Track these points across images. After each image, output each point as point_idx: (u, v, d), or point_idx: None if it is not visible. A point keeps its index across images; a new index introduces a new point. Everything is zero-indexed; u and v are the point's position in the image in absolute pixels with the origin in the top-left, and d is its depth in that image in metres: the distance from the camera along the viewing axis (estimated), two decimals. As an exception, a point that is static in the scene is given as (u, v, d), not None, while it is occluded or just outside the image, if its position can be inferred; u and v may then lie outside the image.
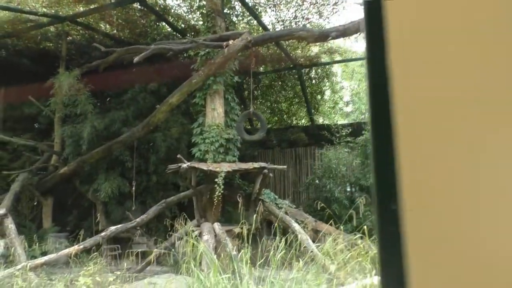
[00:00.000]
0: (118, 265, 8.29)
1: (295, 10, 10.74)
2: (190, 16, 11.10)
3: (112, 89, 11.03)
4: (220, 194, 7.27)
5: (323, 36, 7.92)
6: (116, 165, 10.83)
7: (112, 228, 7.40)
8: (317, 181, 11.75)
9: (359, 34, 8.41)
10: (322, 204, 10.80)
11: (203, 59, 8.60)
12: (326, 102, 14.33)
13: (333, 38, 8.00)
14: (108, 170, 10.70)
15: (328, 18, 10.75)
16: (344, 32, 7.90)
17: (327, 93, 14.14)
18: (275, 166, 8.55)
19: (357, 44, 13.93)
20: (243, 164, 7.99)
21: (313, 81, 13.41)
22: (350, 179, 11.06)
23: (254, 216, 8.46)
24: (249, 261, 5.10)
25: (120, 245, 9.67)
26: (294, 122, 14.48)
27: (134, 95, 11.04)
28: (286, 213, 8.36)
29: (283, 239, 5.55)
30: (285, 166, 9.33)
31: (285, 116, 14.44)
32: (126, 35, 11.29)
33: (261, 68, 13.00)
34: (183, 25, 11.13)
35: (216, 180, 7.38)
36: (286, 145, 13.19)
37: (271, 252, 5.33)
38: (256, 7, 10.67)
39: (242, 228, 7.84)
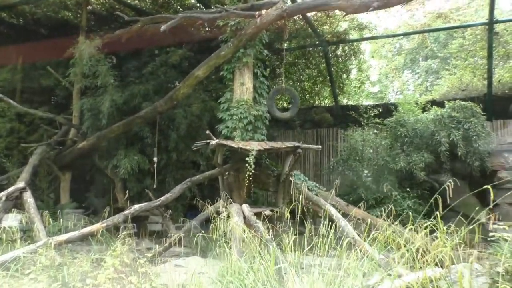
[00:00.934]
0: (135, 245, 7.94)
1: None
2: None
3: (133, 61, 10.57)
4: (250, 174, 6.84)
5: (364, 6, 7.32)
6: (136, 141, 10.46)
7: (136, 206, 7.02)
8: (342, 163, 11.32)
9: (404, 5, 7.83)
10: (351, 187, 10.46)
11: (233, 30, 8.06)
12: (351, 81, 13.74)
13: (375, 8, 7.40)
14: (127, 146, 10.33)
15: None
16: (387, 2, 7.32)
17: (353, 72, 13.54)
18: (309, 145, 8.08)
19: (395, 18, 13.27)
20: (275, 143, 7.53)
21: (339, 59, 12.79)
22: (378, 162, 10.58)
23: (282, 198, 8.13)
24: (292, 247, 4.69)
25: (136, 224, 9.36)
26: (317, 102, 13.93)
27: (155, 69, 10.58)
28: (316, 195, 7.93)
29: (323, 224, 5.11)
30: (319, 146, 8.85)
31: (307, 95, 13.89)
32: (148, 5, 10.77)
33: (285, 44, 12.41)
34: (208, -4, 10.56)
35: (247, 159, 6.94)
36: (310, 125, 12.70)
37: (311, 238, 4.93)
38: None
39: (273, 210, 7.48)
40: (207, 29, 10.60)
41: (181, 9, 10.22)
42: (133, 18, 8.92)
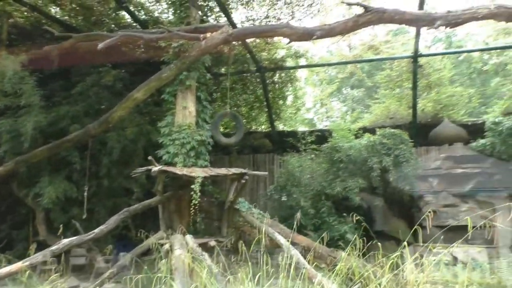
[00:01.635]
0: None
1: (268, 9, 10.22)
2: (154, 7, 10.15)
3: (61, 80, 9.75)
4: (196, 202, 6.46)
5: (307, 34, 7.45)
6: (62, 167, 9.55)
7: (66, 240, 6.28)
8: (279, 189, 11.32)
9: (344, 35, 8.12)
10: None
11: (176, 52, 7.76)
12: (288, 107, 13.96)
13: (318, 37, 7.56)
14: (52, 172, 9.38)
15: (300, 20, 10.38)
16: (330, 31, 7.51)
17: (290, 98, 13.79)
18: (256, 172, 7.90)
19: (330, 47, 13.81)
20: (220, 170, 7.25)
21: (276, 85, 12.97)
22: (315, 187, 10.71)
23: (226, 227, 7.81)
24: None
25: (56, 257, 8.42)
26: (253, 128, 13.91)
27: (85, 89, 9.85)
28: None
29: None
30: (266, 173, 8.71)
31: (244, 120, 13.84)
32: (79, 22, 10.08)
33: (223, 69, 12.32)
34: (145, 16, 10.15)
35: (192, 186, 6.57)
36: (248, 151, 12.59)
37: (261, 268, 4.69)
38: (228, 2, 10.00)
39: (218, 241, 7.11)
40: (143, 49, 10.16)
41: (115, 28, 9.70)
42: (65, 34, 8.24)
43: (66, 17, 10.16)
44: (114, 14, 10.03)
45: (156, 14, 10.20)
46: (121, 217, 6.96)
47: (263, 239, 5.35)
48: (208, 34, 7.41)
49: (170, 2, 9.20)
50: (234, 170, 7.18)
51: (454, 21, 7.33)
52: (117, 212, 7.01)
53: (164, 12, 10.26)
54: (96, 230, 6.63)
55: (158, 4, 10.03)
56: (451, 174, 10.82)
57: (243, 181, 7.30)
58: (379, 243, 5.83)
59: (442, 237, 10.55)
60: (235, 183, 7.57)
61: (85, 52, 8.54)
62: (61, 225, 9.11)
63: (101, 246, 8.66)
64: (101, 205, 9.77)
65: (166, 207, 7.56)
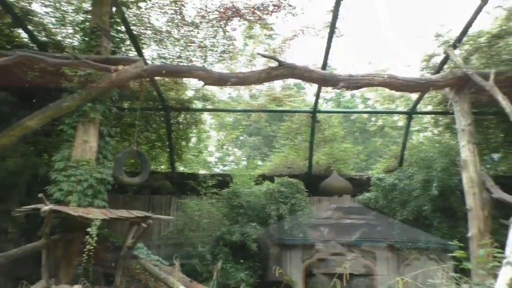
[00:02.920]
0: None
1: (181, 50, 10.15)
2: (57, 29, 9.36)
3: None
4: (91, 247, 5.78)
5: (222, 80, 7.53)
6: None
7: None
8: (177, 233, 10.84)
9: (257, 85, 8.35)
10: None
11: (82, 80, 7.16)
12: (190, 149, 13.71)
13: (232, 84, 7.69)
14: None
15: (212, 65, 10.47)
16: (244, 80, 7.70)
17: (193, 140, 13.59)
18: (160, 216, 7.39)
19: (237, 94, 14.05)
20: (120, 212, 6.65)
21: (181, 126, 12.73)
22: (214, 232, 10.50)
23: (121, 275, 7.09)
24: None
25: None
26: (152, 167, 13.33)
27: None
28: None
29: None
30: (171, 217, 8.22)
31: (143, 159, 13.20)
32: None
33: (126, 104, 11.76)
34: (45, 38, 9.30)
35: (88, 229, 5.88)
36: (146, 191, 11.93)
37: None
38: (141, 37, 9.70)
39: (112, 291, 6.39)
40: (37, 73, 9.22)
41: (8, 47, 8.68)
42: None
43: None
44: (8, 30, 9.02)
45: (58, 38, 9.43)
46: (-6, 263, 5.90)
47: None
48: (120, 67, 7.03)
49: (78, 28, 8.58)
50: (136, 213, 6.65)
51: (354, 84, 8.06)
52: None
53: (69, 37, 9.54)
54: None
55: (63, 27, 9.31)
56: (340, 224, 11.47)
57: (145, 225, 6.79)
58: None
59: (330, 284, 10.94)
60: (135, 227, 7.01)
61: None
62: None
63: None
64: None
65: (51, 253, 6.63)
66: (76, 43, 9.29)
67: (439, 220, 10.45)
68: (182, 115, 12.61)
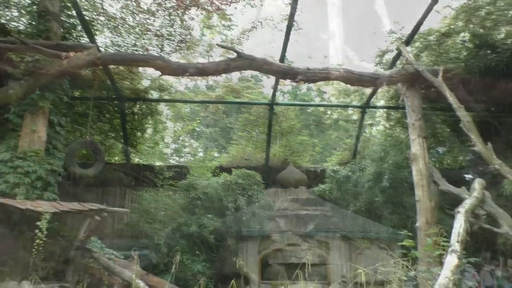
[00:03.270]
0: None
1: (136, 38, 9.83)
2: (1, 12, 8.74)
3: None
4: (41, 242, 5.52)
5: (180, 70, 7.40)
6: None
7: None
8: (132, 226, 10.61)
9: (216, 76, 8.26)
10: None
11: (29, 67, 6.78)
12: (146, 141, 13.38)
13: (191, 74, 7.59)
14: None
15: (169, 54, 10.21)
16: (202, 70, 7.60)
17: (149, 131, 13.27)
18: (116, 209, 7.17)
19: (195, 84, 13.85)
20: (72, 204, 6.39)
21: (136, 116, 12.38)
22: (170, 224, 10.36)
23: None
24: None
25: None
26: (106, 159, 12.90)
27: None
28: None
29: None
30: (127, 210, 7.99)
31: (95, 150, 12.72)
32: None
33: (77, 93, 11.27)
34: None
35: (37, 223, 5.62)
36: (99, 183, 11.52)
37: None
38: (93, 23, 9.29)
39: (62, 286, 6.14)
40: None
41: None
42: None
43: None
44: None
45: (2, 21, 8.85)
46: None
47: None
48: (72, 54, 6.71)
49: (25, 11, 8.09)
50: (90, 206, 6.42)
51: (312, 77, 8.19)
52: None
53: (14, 21, 8.97)
54: None
55: (7, 9, 8.73)
56: (296, 215, 11.66)
57: (98, 218, 6.58)
58: (233, 281, 5.88)
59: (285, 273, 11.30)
60: (88, 220, 6.77)
61: None
62: None
63: None
64: None
65: (-4, 248, 6.28)
66: (22, 27, 8.76)
67: (389, 211, 10.88)
68: (138, 105, 12.27)
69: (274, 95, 12.20)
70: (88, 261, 6.71)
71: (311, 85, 14.01)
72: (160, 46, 10.12)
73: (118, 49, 10.09)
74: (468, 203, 6.55)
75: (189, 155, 14.29)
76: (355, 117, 14.84)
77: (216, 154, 13.67)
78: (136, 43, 10.03)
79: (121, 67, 10.75)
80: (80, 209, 6.21)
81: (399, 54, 10.07)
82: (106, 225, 11.29)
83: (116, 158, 13.33)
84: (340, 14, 30.18)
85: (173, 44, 10.09)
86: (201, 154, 13.87)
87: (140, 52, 10.06)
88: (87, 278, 6.63)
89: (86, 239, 6.75)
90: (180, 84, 12.82)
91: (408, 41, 9.79)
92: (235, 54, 7.46)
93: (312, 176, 12.94)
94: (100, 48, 9.65)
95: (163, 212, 10.45)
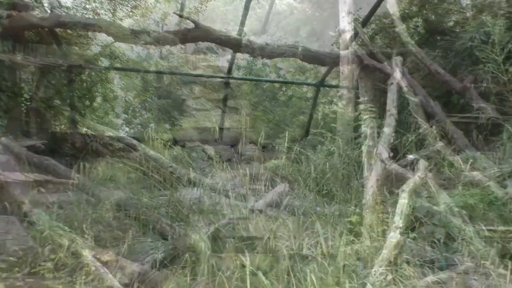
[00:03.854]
0: None
1: (87, 0, 9.28)
2: None
3: None
4: None
5: (135, 37, 7.12)
6: None
7: None
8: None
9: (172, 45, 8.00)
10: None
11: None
12: (95, 110, 12.82)
13: (146, 43, 7.33)
14: None
15: (122, 20, 9.73)
16: (159, 39, 7.37)
17: (98, 100, 12.72)
18: (61, 180, 6.86)
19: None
20: (15, 175, 6.05)
21: (84, 84, 11.81)
22: (121, 198, 10.15)
23: None
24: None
25: None
26: (52, 127, 12.28)
27: None
28: None
29: None
30: (74, 180, 7.65)
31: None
32: None
33: (20, 57, 10.54)
34: None
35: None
36: (46, 154, 11.00)
37: None
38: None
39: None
40: None
41: None
42: None
43: None
44: None
45: None
46: None
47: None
48: (14, 13, 6.24)
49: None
50: (33, 176, 6.10)
51: (270, 53, 8.20)
52: None
53: None
54: None
55: None
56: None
57: (43, 190, 6.28)
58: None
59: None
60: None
61: None
62: None
63: None
64: None
65: None
66: None
67: (338, 188, 11.29)
68: (86, 73, 11.69)
69: (230, 69, 12.09)
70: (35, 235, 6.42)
71: (267, 61, 13.96)
72: (112, 11, 9.64)
73: (66, 11, 9.49)
74: (412, 182, 6.95)
75: (140, 126, 13.92)
76: (309, 95, 15.06)
77: (167, 126, 13.41)
78: (87, 5, 9.48)
79: (69, 31, 10.14)
80: (23, 180, 5.90)
81: (355, 35, 10.26)
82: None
83: (63, 127, 12.72)
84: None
85: (126, 9, 9.64)
86: (152, 125, 13.56)
87: (91, 16, 9.56)
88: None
89: (31, 212, 6.43)
90: (132, 52, 12.34)
91: (365, 22, 9.97)
92: (193, 25, 7.26)
93: (265, 152, 13.11)
94: (47, 9, 9.06)
95: (112, 185, 10.20)
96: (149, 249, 9.35)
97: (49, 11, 9.03)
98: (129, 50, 12.08)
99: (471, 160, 6.61)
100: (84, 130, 13.20)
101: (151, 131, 10.88)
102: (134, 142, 11.14)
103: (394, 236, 5.93)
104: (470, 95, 8.30)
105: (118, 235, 9.43)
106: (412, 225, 4.77)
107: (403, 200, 5.60)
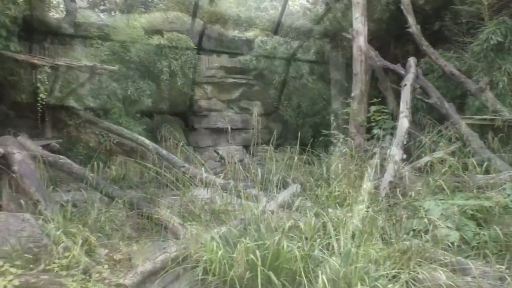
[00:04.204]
0: None
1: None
2: None
3: None
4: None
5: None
6: None
7: None
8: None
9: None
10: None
11: None
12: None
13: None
14: None
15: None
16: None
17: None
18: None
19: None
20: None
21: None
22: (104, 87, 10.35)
23: None
24: None
25: None
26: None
27: None
28: None
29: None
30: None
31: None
32: None
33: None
34: None
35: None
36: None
37: None
38: None
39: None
40: None
41: None
42: None
43: None
44: None
45: None
46: None
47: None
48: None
49: None
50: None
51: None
52: None
53: None
54: None
55: None
56: (222, 82, 12.68)
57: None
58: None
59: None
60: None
61: None
62: None
63: None
64: None
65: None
66: None
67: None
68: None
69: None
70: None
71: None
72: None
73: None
74: (410, 77, 8.17)
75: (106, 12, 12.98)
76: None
77: (137, 16, 12.62)
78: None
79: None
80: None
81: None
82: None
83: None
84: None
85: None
86: (124, 12, 12.60)
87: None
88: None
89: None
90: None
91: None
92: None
93: (238, 45, 13.29)
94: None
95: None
96: (161, 248, 9.44)
97: (64, 13, 9.11)
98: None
99: (486, 163, 6.51)
100: (98, 130, 13.28)
101: (164, 131, 10.86)
102: (147, 142, 11.22)
103: (403, 123, 6.98)
104: (485, 97, 8.16)
105: (131, 234, 9.55)
106: (426, 227, 4.69)
107: (406, 93, 7.91)
